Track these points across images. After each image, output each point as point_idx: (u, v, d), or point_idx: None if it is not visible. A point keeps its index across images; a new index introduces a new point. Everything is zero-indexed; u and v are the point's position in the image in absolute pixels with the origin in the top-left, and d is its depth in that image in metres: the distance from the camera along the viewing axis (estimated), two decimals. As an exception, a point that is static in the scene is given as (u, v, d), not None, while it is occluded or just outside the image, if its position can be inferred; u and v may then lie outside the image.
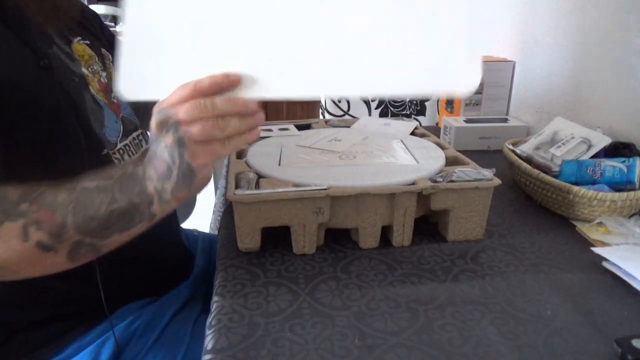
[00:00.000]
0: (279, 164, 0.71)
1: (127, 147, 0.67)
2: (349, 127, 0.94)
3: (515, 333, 0.49)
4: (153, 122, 0.46)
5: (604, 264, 0.61)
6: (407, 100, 1.64)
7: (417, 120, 1.60)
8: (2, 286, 0.58)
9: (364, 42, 0.46)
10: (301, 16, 0.47)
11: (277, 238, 0.66)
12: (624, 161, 0.74)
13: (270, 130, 0.89)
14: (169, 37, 0.48)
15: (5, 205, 0.44)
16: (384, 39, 0.46)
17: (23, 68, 0.54)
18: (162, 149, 0.46)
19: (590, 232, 0.70)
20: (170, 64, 0.48)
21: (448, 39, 0.47)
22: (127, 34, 0.48)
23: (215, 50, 0.48)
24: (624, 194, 0.69)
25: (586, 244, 0.67)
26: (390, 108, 1.65)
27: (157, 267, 0.71)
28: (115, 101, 0.68)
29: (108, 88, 0.67)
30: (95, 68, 0.66)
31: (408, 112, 1.65)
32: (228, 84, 0.46)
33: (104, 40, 0.72)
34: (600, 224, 0.71)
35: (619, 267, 0.58)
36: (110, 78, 0.69)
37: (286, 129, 0.90)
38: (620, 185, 0.72)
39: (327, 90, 0.49)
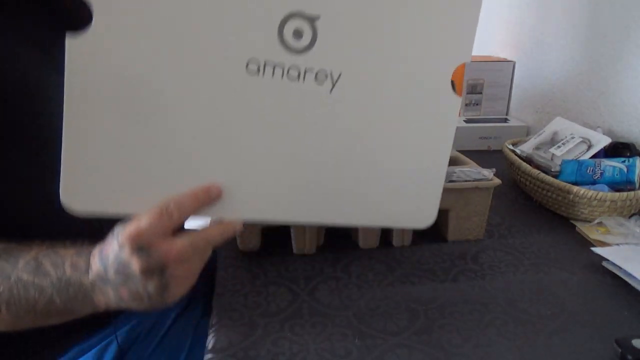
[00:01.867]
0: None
1: None
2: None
3: (515, 333, 0.49)
4: (135, 262, 0.39)
5: (604, 264, 0.61)
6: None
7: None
8: None
9: (328, 174, 0.44)
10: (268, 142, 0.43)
11: (277, 238, 0.66)
12: (624, 161, 0.74)
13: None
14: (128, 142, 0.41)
15: None
16: (347, 173, 0.45)
17: (44, 79, 0.53)
18: (137, 285, 0.41)
19: (590, 232, 0.70)
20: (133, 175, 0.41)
21: (402, 178, 0.47)
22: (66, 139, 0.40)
23: (181, 161, 0.42)
24: (624, 194, 0.69)
25: (586, 244, 0.67)
26: (390, 108, 1.65)
27: None
28: None
29: None
30: None
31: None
32: (208, 201, 0.42)
33: None
34: (600, 224, 0.71)
35: (619, 267, 0.58)
36: None
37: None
38: (620, 185, 0.72)
39: (291, 217, 0.46)
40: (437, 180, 0.48)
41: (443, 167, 0.47)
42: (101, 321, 0.62)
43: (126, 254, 0.40)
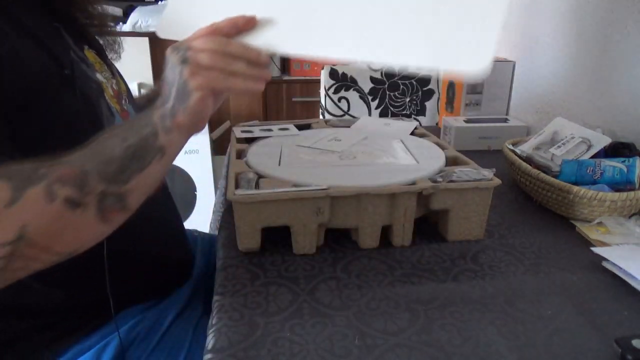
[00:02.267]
0: (279, 164, 0.71)
1: None
2: (349, 127, 0.94)
3: (515, 333, 0.49)
4: (168, 51, 0.50)
5: (604, 264, 0.61)
6: (407, 100, 1.64)
7: (417, 120, 1.60)
8: (6, 292, 0.58)
9: (378, 10, 0.48)
10: None
11: (277, 238, 0.66)
12: (624, 161, 0.74)
13: (270, 130, 0.89)
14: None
15: (24, 173, 0.43)
16: (398, 8, 0.48)
17: (47, 77, 0.53)
18: (167, 71, 0.50)
19: (590, 232, 0.70)
20: (204, 14, 0.54)
21: (461, 16, 0.48)
22: None
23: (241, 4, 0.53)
24: (624, 194, 0.69)
25: (586, 244, 0.67)
26: (390, 108, 1.65)
27: (161, 266, 0.71)
28: (125, 108, 0.67)
29: (119, 95, 0.66)
30: (106, 75, 0.65)
31: (408, 112, 1.65)
32: (245, 25, 0.51)
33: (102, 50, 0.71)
34: (600, 224, 0.71)
35: (619, 267, 0.58)
36: (120, 86, 0.68)
37: (286, 129, 0.90)
38: (620, 185, 0.72)
39: (337, 53, 0.50)
40: (494, 24, 0.48)
41: (502, 11, 0.48)
42: (100, 319, 0.63)
43: (168, 52, 0.51)
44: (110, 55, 0.70)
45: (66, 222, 0.44)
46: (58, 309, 0.61)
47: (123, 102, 0.67)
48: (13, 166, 0.44)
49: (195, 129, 0.52)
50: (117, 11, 2.37)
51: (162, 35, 0.60)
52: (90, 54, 0.65)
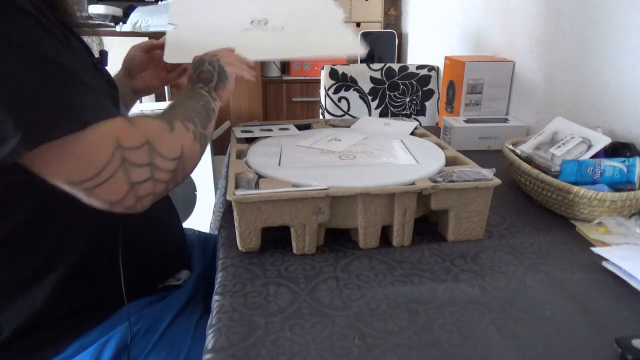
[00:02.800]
0: (279, 164, 0.71)
1: None
2: (349, 127, 0.94)
3: (515, 333, 0.49)
4: (196, 58, 0.74)
5: (604, 264, 0.61)
6: (407, 100, 1.64)
7: (417, 120, 1.60)
8: (8, 289, 0.59)
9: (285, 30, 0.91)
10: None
11: (277, 238, 0.66)
12: (624, 161, 0.74)
13: (270, 130, 0.89)
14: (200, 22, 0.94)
15: (164, 115, 0.60)
16: (299, 28, 0.92)
17: (86, 65, 0.61)
18: (206, 66, 0.72)
19: (590, 232, 0.70)
20: (200, 37, 0.90)
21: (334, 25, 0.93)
22: (172, 18, 0.94)
23: (223, 32, 0.91)
24: (624, 194, 0.69)
25: (586, 244, 0.67)
26: (390, 108, 1.65)
27: (157, 258, 0.73)
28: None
29: None
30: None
31: (408, 112, 1.65)
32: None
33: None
34: (600, 224, 0.71)
35: (619, 267, 0.58)
36: None
37: (286, 129, 0.90)
38: (620, 185, 0.72)
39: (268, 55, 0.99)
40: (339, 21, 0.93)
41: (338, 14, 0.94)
42: (100, 316, 0.63)
43: (197, 58, 0.75)
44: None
45: (193, 148, 0.61)
46: (61, 306, 0.62)
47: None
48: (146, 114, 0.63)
49: (225, 101, 0.73)
50: (117, 11, 2.37)
51: (169, 60, 0.85)
52: None
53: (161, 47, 0.88)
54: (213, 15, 0.95)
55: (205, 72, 0.72)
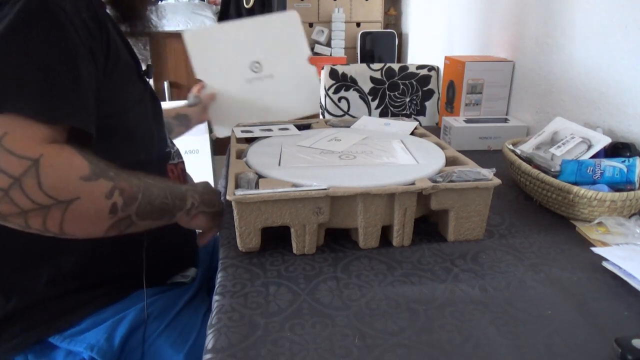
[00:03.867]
0: (279, 164, 0.71)
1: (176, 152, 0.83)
2: (349, 127, 0.94)
3: (515, 333, 0.49)
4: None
5: (604, 264, 0.61)
6: (407, 100, 1.64)
7: (417, 120, 1.60)
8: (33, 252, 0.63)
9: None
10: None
11: (277, 238, 0.66)
12: (624, 161, 0.74)
13: (270, 130, 0.89)
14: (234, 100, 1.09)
15: (101, 165, 0.54)
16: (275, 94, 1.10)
17: (134, 77, 0.67)
18: (219, 196, 0.73)
19: (590, 232, 0.70)
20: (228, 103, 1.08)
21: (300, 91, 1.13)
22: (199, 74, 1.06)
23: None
24: (624, 194, 0.69)
25: (586, 244, 0.67)
26: (390, 108, 1.65)
27: (177, 247, 0.78)
28: None
29: None
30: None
31: (408, 112, 1.65)
32: None
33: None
34: (600, 224, 0.70)
35: (619, 267, 0.58)
36: None
37: (286, 129, 0.90)
38: (620, 185, 0.72)
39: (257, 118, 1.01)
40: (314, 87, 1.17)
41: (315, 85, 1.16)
42: (114, 295, 0.67)
43: (210, 188, 0.73)
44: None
45: (99, 217, 0.54)
46: (82, 278, 0.66)
47: None
48: (91, 154, 0.55)
49: (185, 225, 0.68)
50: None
51: (221, 135, 1.07)
52: None
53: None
54: (227, 62, 1.07)
55: (211, 200, 0.70)
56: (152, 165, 0.71)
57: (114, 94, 0.63)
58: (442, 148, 0.79)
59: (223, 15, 2.33)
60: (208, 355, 0.46)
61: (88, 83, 0.57)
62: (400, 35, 2.55)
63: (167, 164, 0.78)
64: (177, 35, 2.23)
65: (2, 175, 0.48)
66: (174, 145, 0.83)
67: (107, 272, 0.68)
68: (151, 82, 0.92)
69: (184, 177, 0.82)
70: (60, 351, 0.64)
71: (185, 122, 1.02)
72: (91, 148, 0.56)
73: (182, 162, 0.84)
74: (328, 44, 2.55)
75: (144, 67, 0.72)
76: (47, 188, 0.49)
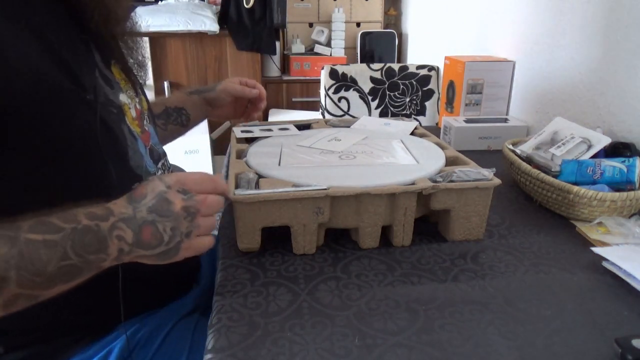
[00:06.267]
0: (279, 164, 0.71)
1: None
2: (349, 127, 0.94)
3: (515, 333, 0.49)
4: (178, 201, 0.49)
5: (604, 264, 0.61)
6: (407, 100, 1.64)
7: (417, 120, 1.60)
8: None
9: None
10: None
11: (277, 238, 0.66)
12: (624, 161, 0.74)
13: (270, 130, 0.89)
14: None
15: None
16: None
17: (63, 100, 0.52)
18: (164, 225, 0.47)
19: (590, 232, 0.70)
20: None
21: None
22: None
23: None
24: (624, 194, 0.69)
25: (586, 244, 0.67)
26: (390, 108, 1.65)
27: (168, 277, 0.68)
28: (146, 129, 0.65)
29: (141, 115, 0.65)
30: (131, 93, 0.63)
31: (408, 112, 1.65)
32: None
33: (135, 60, 0.68)
34: (600, 224, 0.71)
35: (619, 267, 0.58)
36: (142, 104, 0.66)
37: (286, 129, 0.90)
38: (620, 185, 0.72)
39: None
40: None
41: None
42: (104, 327, 0.62)
43: (171, 193, 0.48)
44: (138, 73, 0.68)
45: None
46: (63, 324, 0.61)
47: (144, 122, 0.65)
48: None
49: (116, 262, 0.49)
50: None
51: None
52: (116, 70, 0.63)
53: (249, 97, 0.93)
54: None
55: (152, 230, 0.47)
56: (112, 190, 0.54)
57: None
58: (442, 148, 0.79)
59: (223, 16, 2.33)
60: (208, 355, 0.46)
61: None
62: (400, 35, 2.55)
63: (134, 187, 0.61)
64: (177, 35, 2.24)
65: None
66: (163, 169, 0.70)
67: (86, 314, 0.61)
68: (150, 82, 0.82)
69: None
70: None
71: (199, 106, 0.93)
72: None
73: (163, 168, 0.70)
74: (328, 44, 2.55)
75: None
76: None
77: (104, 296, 0.58)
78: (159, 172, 0.67)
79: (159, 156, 0.69)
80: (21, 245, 0.42)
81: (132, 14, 0.68)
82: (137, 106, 0.65)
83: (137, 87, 0.67)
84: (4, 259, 0.41)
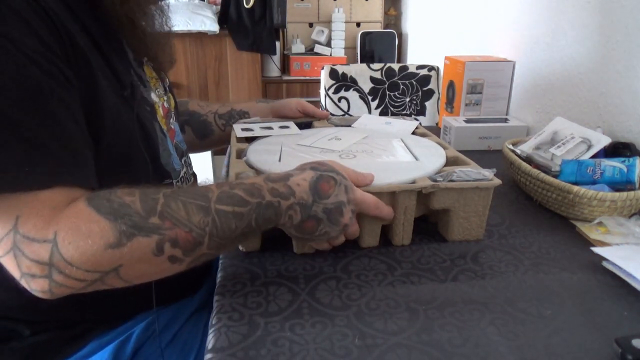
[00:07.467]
0: (279, 163, 0.71)
1: (185, 174, 0.69)
2: (349, 125, 0.94)
3: (515, 333, 0.49)
4: (347, 219, 0.55)
5: (604, 264, 0.61)
6: (407, 100, 1.64)
7: (417, 120, 1.60)
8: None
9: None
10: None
11: (277, 238, 0.66)
12: (624, 161, 0.74)
13: (270, 128, 0.89)
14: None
15: (133, 218, 0.45)
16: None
17: (110, 95, 0.54)
18: (324, 226, 0.54)
19: (590, 232, 0.70)
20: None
21: None
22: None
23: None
24: (624, 194, 0.69)
25: (586, 244, 0.67)
26: (390, 108, 1.65)
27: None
28: (172, 127, 0.67)
29: (169, 113, 0.66)
30: (160, 92, 0.65)
31: (408, 112, 1.65)
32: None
33: (166, 57, 0.71)
34: (600, 224, 0.71)
35: (619, 267, 0.58)
36: (170, 102, 0.67)
37: (286, 127, 0.90)
38: (620, 185, 0.72)
39: None
40: None
41: None
42: (119, 316, 0.64)
43: (347, 209, 0.55)
44: (168, 71, 0.71)
45: (159, 269, 0.47)
46: (85, 312, 0.62)
47: (171, 120, 0.67)
48: (114, 198, 0.46)
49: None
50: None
51: None
52: (148, 69, 0.65)
53: (316, 114, 0.94)
54: None
55: (313, 227, 0.54)
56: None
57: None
58: (443, 148, 0.79)
59: (223, 16, 2.33)
60: (208, 355, 0.46)
61: (72, 123, 0.47)
62: (400, 35, 2.55)
63: (166, 182, 0.67)
64: (177, 35, 2.24)
65: (36, 264, 0.43)
66: (185, 166, 0.73)
67: (107, 304, 0.63)
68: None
69: None
70: None
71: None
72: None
73: (186, 164, 0.75)
74: (328, 44, 2.55)
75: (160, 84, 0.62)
76: (80, 264, 0.43)
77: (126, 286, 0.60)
78: (183, 168, 0.70)
79: (182, 153, 0.71)
80: (213, 214, 0.48)
81: (164, 8, 0.69)
82: (165, 105, 0.66)
83: (166, 85, 0.68)
84: (200, 226, 0.47)
